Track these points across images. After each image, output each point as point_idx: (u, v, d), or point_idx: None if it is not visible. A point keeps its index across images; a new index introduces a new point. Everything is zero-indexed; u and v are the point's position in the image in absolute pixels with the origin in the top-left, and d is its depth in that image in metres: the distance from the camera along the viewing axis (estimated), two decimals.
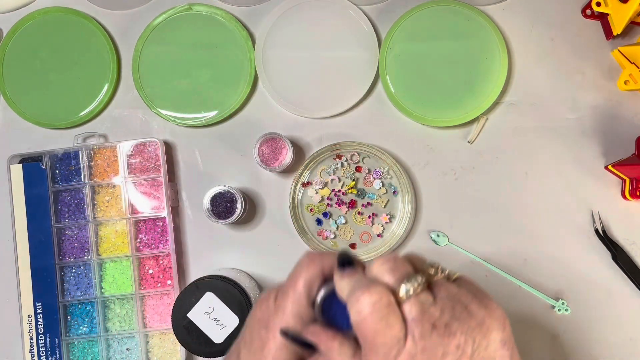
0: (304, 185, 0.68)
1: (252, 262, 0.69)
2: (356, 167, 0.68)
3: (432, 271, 0.40)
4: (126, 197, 0.68)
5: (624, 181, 0.66)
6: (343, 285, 0.39)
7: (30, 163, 0.70)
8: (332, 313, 0.41)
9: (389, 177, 0.67)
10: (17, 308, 0.69)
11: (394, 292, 0.38)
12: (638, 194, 0.65)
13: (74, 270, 0.69)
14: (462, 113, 0.67)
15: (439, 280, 0.40)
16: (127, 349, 0.68)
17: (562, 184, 0.67)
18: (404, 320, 0.37)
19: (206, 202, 0.65)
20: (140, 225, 0.69)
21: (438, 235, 0.67)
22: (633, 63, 0.65)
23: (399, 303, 0.38)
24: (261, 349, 0.43)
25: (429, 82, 0.67)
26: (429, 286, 0.39)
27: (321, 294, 0.41)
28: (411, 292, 0.38)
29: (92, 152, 0.69)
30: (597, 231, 0.66)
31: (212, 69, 0.70)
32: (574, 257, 0.67)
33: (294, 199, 0.67)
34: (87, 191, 0.69)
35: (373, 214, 0.67)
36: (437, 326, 0.37)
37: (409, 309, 0.37)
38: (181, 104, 0.70)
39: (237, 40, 0.70)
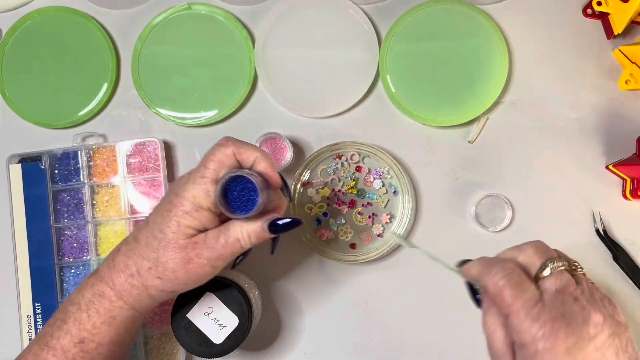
0: (304, 185, 0.67)
1: (252, 263, 0.69)
2: (356, 167, 0.68)
3: (576, 265, 0.45)
4: (125, 197, 0.68)
5: (624, 181, 0.66)
6: (472, 271, 0.45)
7: (29, 163, 0.69)
8: (235, 197, 0.48)
9: (389, 177, 0.67)
10: (16, 308, 0.68)
11: (538, 274, 0.43)
12: (639, 193, 0.65)
13: (73, 271, 0.69)
14: (462, 113, 0.67)
15: (579, 275, 0.44)
16: None
17: (562, 184, 0.67)
18: (541, 292, 0.42)
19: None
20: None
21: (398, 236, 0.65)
22: (634, 62, 0.65)
23: (538, 279, 0.43)
24: (168, 211, 0.50)
25: (430, 82, 0.67)
26: (572, 273, 0.44)
27: (226, 175, 0.48)
28: (555, 270, 0.43)
29: (91, 152, 0.69)
30: (597, 231, 0.66)
31: (212, 68, 0.70)
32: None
33: (294, 199, 0.67)
34: (86, 191, 0.69)
35: (373, 214, 0.67)
36: (578, 299, 0.41)
37: (552, 282, 0.42)
38: (181, 104, 0.70)
39: (236, 40, 0.70)
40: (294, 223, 0.51)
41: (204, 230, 0.50)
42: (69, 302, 0.53)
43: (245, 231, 0.50)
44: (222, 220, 0.52)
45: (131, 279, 0.51)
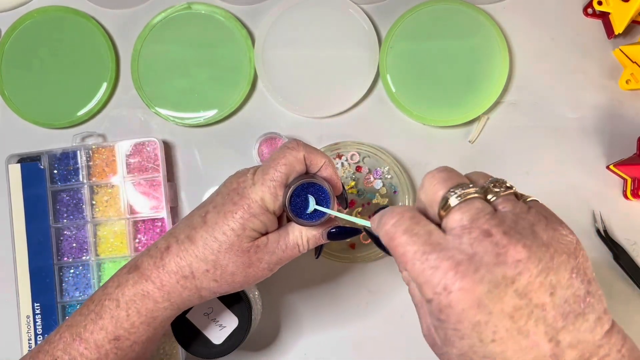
0: None
1: None
2: (356, 167, 0.67)
3: (497, 187, 0.35)
4: (125, 197, 0.68)
5: (625, 181, 0.66)
6: (373, 223, 0.38)
7: (29, 163, 0.69)
8: (298, 202, 0.47)
9: (389, 177, 0.67)
10: (16, 309, 0.68)
11: (439, 211, 0.35)
12: (639, 193, 0.65)
13: (72, 271, 0.69)
14: (463, 112, 0.66)
15: (505, 196, 0.35)
16: None
17: (563, 184, 0.67)
18: (443, 230, 0.34)
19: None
20: (139, 225, 0.68)
21: None
22: (635, 62, 0.65)
23: (441, 217, 0.34)
24: (232, 212, 0.47)
25: (430, 82, 0.67)
26: (488, 200, 0.35)
27: (296, 181, 0.47)
28: (461, 199, 0.34)
29: (90, 151, 0.69)
30: (598, 231, 0.66)
31: (212, 68, 0.69)
32: None
33: None
34: (86, 191, 0.68)
35: (373, 213, 0.67)
36: (492, 234, 0.32)
37: (457, 217, 0.33)
38: (180, 104, 0.69)
39: (236, 39, 0.69)
40: (353, 232, 0.50)
41: (265, 233, 0.49)
42: (105, 294, 0.50)
43: (305, 237, 0.50)
44: (280, 221, 0.51)
45: (184, 281, 0.49)
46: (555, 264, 0.32)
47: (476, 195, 0.34)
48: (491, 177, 0.37)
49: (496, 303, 0.31)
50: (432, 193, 0.35)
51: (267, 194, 0.47)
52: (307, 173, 0.49)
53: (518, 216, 0.34)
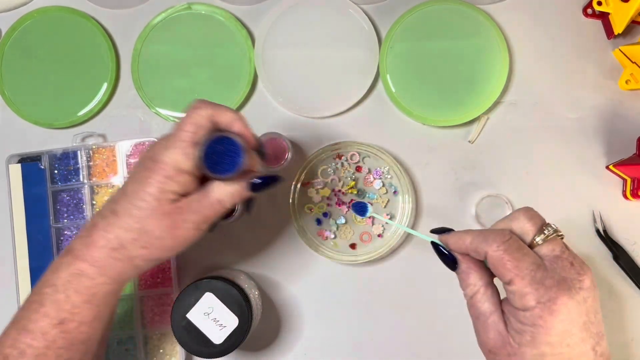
0: (304, 185, 0.67)
1: (252, 262, 0.69)
2: (356, 167, 0.68)
3: (558, 232, 0.46)
4: None
5: (625, 181, 0.66)
6: (466, 241, 0.46)
7: (29, 163, 0.69)
8: (214, 157, 0.47)
9: (389, 177, 0.67)
10: (16, 308, 0.68)
11: (532, 241, 0.45)
12: (639, 193, 0.65)
13: None
14: (462, 112, 0.67)
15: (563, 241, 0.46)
16: (126, 349, 0.68)
17: (563, 184, 0.67)
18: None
19: None
20: None
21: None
22: (634, 62, 0.65)
23: (533, 246, 0.45)
24: (146, 178, 0.48)
25: (430, 82, 0.67)
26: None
27: (209, 137, 0.47)
28: (549, 237, 0.44)
29: (90, 151, 0.69)
30: (598, 231, 0.66)
31: (212, 68, 0.69)
32: None
33: (294, 198, 0.67)
34: (86, 191, 0.68)
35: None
36: (574, 265, 0.43)
37: (549, 248, 0.44)
38: (180, 104, 0.70)
39: (236, 40, 0.70)
40: (273, 179, 0.51)
41: (185, 194, 0.49)
42: (42, 284, 0.51)
43: (228, 192, 0.50)
44: (201, 183, 0.51)
45: (114, 253, 0.49)
46: (596, 294, 0.43)
47: (555, 235, 0.45)
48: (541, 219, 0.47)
49: (580, 317, 0.42)
50: (527, 227, 0.45)
51: (179, 154, 0.48)
52: (220, 130, 0.50)
53: (574, 256, 0.45)
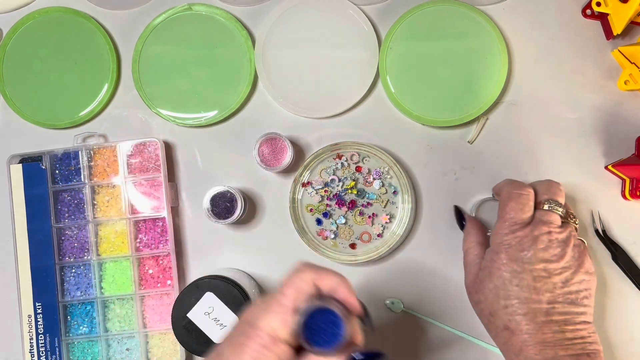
0: (304, 185, 0.68)
1: (252, 262, 0.69)
2: (356, 167, 0.68)
3: (571, 216, 0.57)
4: (126, 197, 0.68)
5: (624, 181, 0.66)
6: (502, 185, 0.60)
7: (30, 163, 0.70)
8: (314, 328, 0.43)
9: (389, 177, 0.67)
10: (17, 308, 0.69)
11: (537, 204, 0.56)
12: (638, 194, 0.65)
13: (73, 271, 0.69)
14: (462, 113, 0.67)
15: (571, 224, 0.56)
16: (127, 349, 0.68)
17: (562, 184, 0.67)
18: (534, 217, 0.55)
19: (206, 202, 0.65)
20: (140, 225, 0.69)
21: (392, 303, 0.67)
22: (633, 63, 0.65)
23: (537, 206, 0.56)
24: (242, 344, 0.45)
25: (429, 82, 0.67)
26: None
27: (306, 306, 0.44)
28: (552, 208, 0.55)
29: (91, 152, 0.69)
30: (597, 231, 0.66)
31: (212, 68, 0.70)
32: None
33: (294, 199, 0.67)
34: (87, 191, 0.69)
35: (373, 214, 0.67)
36: (554, 238, 0.53)
37: (543, 214, 0.55)
38: (181, 104, 0.70)
39: (237, 40, 0.70)
40: (376, 356, 0.47)
41: None
42: None
43: None
44: (297, 353, 0.47)
45: None
46: (578, 271, 0.52)
47: (559, 212, 0.56)
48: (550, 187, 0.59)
49: (532, 266, 0.53)
50: (542, 191, 0.57)
51: (277, 321, 0.44)
52: (322, 296, 0.46)
53: (568, 235, 0.55)
